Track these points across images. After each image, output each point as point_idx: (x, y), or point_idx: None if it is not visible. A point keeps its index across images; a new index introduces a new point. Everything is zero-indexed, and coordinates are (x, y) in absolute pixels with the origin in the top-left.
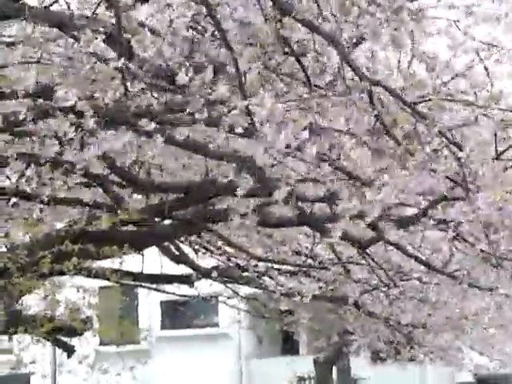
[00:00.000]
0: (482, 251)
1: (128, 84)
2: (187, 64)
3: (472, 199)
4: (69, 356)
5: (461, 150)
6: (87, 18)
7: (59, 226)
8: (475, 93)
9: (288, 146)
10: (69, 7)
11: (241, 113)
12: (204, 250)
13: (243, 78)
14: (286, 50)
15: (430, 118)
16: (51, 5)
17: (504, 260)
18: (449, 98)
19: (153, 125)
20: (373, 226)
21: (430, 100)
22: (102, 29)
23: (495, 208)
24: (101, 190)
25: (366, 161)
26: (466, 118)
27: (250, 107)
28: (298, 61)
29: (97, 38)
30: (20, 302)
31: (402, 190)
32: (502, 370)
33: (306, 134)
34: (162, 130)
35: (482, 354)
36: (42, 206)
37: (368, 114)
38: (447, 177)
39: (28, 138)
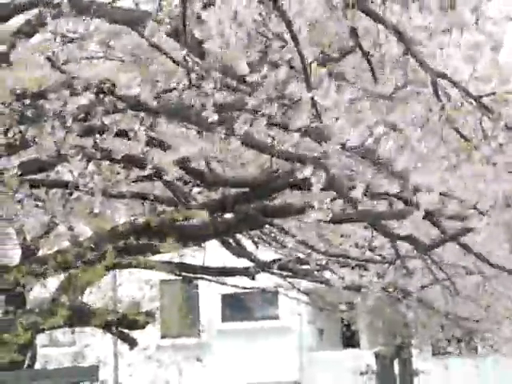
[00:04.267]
0: None
1: (192, 77)
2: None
3: None
4: (131, 349)
5: None
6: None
7: (121, 220)
8: None
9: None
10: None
11: (306, 104)
12: (265, 243)
13: (309, 70)
14: (352, 43)
15: (495, 112)
16: (114, 1)
17: None
18: None
19: (216, 116)
20: (438, 225)
21: (494, 93)
22: (167, 20)
23: None
24: (162, 184)
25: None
26: None
27: (315, 98)
28: (365, 53)
29: (160, 30)
30: (83, 295)
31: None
32: None
33: (379, 130)
34: (224, 125)
35: None
36: (103, 199)
37: (433, 107)
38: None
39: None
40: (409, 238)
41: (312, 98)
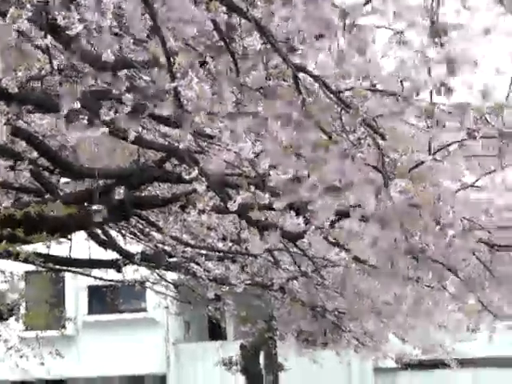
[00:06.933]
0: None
1: (54, 63)
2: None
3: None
4: None
5: (384, 140)
6: None
7: None
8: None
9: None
10: None
11: (169, 95)
12: (132, 236)
13: (172, 60)
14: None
15: (354, 107)
16: None
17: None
18: (372, 87)
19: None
20: (303, 217)
21: (352, 88)
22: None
23: (406, 198)
24: (28, 174)
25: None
26: (390, 108)
27: (178, 89)
28: (226, 44)
29: (21, 16)
30: None
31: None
32: (424, 356)
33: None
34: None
35: (404, 340)
36: None
37: (293, 101)
38: (368, 164)
39: None
40: (275, 228)
41: (175, 89)
